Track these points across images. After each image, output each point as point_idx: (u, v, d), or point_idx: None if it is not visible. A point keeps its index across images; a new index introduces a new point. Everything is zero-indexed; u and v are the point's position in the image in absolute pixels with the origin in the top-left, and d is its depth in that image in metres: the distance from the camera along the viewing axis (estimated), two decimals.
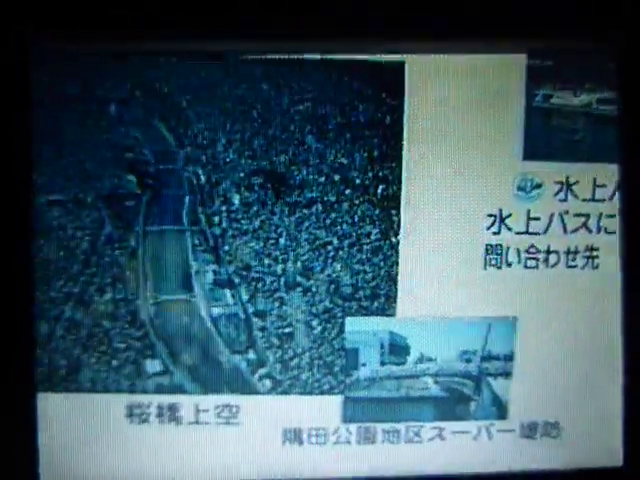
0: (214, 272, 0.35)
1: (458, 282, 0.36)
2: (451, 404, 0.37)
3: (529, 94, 0.35)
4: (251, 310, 0.36)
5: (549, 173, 0.35)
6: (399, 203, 0.35)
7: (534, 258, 0.36)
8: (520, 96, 0.35)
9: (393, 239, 0.36)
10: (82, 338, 0.35)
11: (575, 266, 0.36)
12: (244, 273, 0.35)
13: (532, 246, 0.36)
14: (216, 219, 0.35)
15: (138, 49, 0.33)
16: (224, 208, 0.35)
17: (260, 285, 0.36)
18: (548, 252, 0.36)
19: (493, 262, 0.36)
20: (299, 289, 0.36)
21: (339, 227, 0.35)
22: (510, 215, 0.36)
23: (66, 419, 0.36)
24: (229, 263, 0.35)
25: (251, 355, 0.36)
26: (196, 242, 0.35)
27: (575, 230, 0.36)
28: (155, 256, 0.35)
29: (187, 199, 0.35)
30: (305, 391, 0.36)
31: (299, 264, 0.35)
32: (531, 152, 0.35)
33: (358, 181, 0.35)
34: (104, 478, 0.36)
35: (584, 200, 0.36)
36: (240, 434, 0.36)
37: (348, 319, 0.36)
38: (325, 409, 0.37)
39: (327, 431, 0.37)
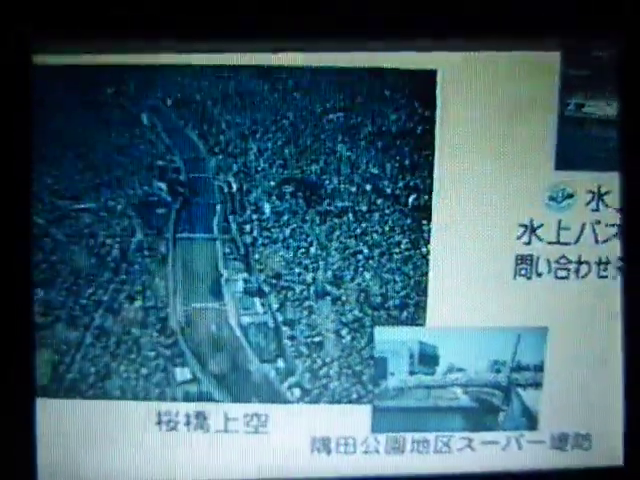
0: (244, 280, 0.35)
1: (488, 292, 0.36)
2: (480, 414, 0.37)
3: (561, 103, 0.35)
4: (280, 319, 0.36)
5: (581, 183, 0.35)
6: (430, 213, 0.35)
7: (565, 268, 0.36)
8: (553, 105, 0.34)
9: (423, 249, 0.35)
10: (111, 346, 0.35)
11: (606, 277, 0.36)
12: (274, 282, 0.35)
13: (563, 256, 0.36)
14: (247, 227, 0.35)
15: (138, 49, 0.33)
16: (255, 217, 0.35)
17: (290, 294, 0.35)
18: (579, 262, 0.36)
19: (523, 272, 0.36)
20: (329, 298, 0.36)
21: (369, 236, 0.35)
22: (541, 225, 0.35)
23: (94, 427, 0.36)
24: (259, 272, 0.35)
25: (280, 364, 0.36)
26: (227, 250, 0.35)
27: (606, 240, 0.36)
28: (185, 264, 0.35)
29: (218, 207, 0.35)
30: (334, 400, 0.36)
31: (329, 273, 0.35)
32: (563, 162, 0.35)
33: (389, 190, 0.35)
34: None
35: (616, 210, 0.35)
36: (268, 443, 0.36)
37: (377, 328, 0.36)
38: (354, 418, 0.37)
39: (356, 440, 0.37)
